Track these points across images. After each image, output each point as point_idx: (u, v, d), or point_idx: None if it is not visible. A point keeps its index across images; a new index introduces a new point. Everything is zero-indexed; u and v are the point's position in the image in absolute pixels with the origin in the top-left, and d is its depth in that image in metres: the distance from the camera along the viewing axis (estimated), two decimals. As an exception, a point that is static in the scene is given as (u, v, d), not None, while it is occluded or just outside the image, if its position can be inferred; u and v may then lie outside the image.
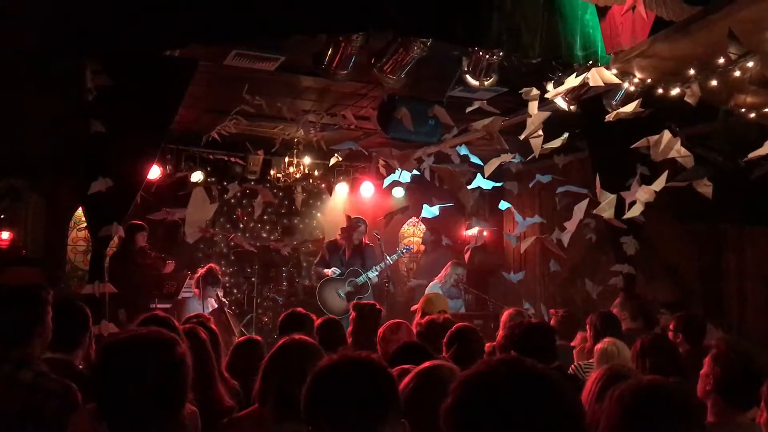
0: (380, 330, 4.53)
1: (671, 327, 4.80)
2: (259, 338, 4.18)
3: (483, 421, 1.31)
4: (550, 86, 5.29)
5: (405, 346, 3.36)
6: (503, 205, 8.07)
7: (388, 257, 8.51)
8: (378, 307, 5.47)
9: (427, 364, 2.39)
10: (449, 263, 8.30)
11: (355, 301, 7.24)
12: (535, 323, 4.06)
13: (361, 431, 1.62)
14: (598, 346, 4.23)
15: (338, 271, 8.24)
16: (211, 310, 6.89)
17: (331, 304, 8.14)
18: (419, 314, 5.54)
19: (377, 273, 8.37)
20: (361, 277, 8.25)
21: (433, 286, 8.00)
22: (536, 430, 1.29)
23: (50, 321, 2.92)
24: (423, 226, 10.49)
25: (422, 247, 10.18)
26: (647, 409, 1.85)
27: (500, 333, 4.70)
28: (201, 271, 7.42)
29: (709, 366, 2.90)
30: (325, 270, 8.29)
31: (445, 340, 3.94)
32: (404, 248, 8.99)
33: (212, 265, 7.60)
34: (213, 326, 3.81)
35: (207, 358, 3.26)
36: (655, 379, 2.03)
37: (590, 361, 4.52)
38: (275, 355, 2.60)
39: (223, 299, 7.57)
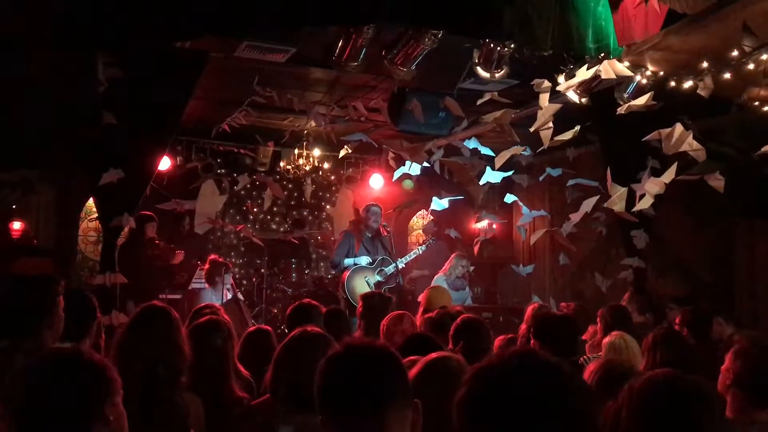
0: (383, 322, 4.51)
1: (677, 321, 4.79)
2: (269, 328, 4.20)
3: (495, 413, 1.31)
4: (561, 78, 5.26)
5: (413, 337, 3.37)
6: (509, 198, 8.05)
7: (419, 248, 8.47)
8: (388, 296, 5.43)
9: (434, 355, 2.40)
10: (453, 255, 8.27)
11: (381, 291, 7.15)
12: (558, 315, 4.05)
13: (369, 416, 1.64)
14: (606, 339, 4.23)
15: (369, 260, 7.95)
16: (225, 300, 6.91)
17: (359, 293, 7.88)
18: (422, 307, 5.53)
19: (405, 263, 8.25)
20: (390, 266, 7.97)
21: (438, 279, 7.98)
22: (548, 422, 1.29)
23: (62, 312, 2.92)
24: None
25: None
26: (670, 401, 1.85)
27: (523, 326, 4.69)
28: (206, 266, 7.41)
29: (730, 360, 2.87)
30: (355, 259, 7.92)
31: (451, 332, 3.92)
32: (431, 239, 8.81)
33: (213, 256, 7.60)
34: (225, 317, 3.84)
35: (222, 348, 3.28)
36: (672, 372, 2.02)
37: (599, 353, 4.53)
38: (287, 346, 2.62)
39: (238, 293, 7.58)
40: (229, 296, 7.16)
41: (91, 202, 7.83)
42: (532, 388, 1.31)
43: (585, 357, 4.67)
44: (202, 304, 4.44)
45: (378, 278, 7.90)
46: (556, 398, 1.30)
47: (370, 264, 7.93)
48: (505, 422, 1.30)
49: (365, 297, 5.17)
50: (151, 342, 2.80)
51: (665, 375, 1.94)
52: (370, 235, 8.01)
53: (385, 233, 8.08)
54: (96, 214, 7.52)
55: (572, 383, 1.34)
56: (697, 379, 1.99)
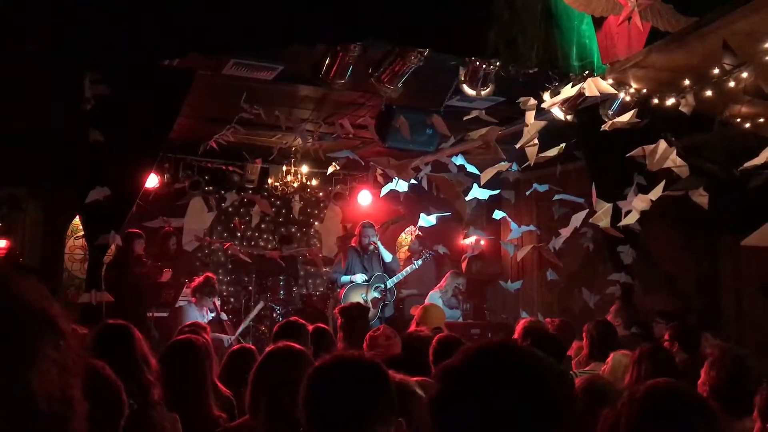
0: (368, 335, 4.55)
1: (666, 337, 4.81)
2: (252, 347, 4.17)
3: (463, 410, 1.31)
4: (546, 96, 5.31)
5: (390, 359, 3.35)
6: (497, 214, 8.08)
7: (414, 262, 8.50)
8: (364, 306, 5.50)
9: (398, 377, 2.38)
10: (448, 273, 8.29)
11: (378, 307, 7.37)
12: (549, 332, 4.06)
13: (353, 429, 1.63)
14: (613, 355, 4.22)
15: (365, 277, 8.03)
16: (208, 319, 6.86)
17: None
18: (414, 324, 5.52)
19: (400, 278, 8.34)
20: (386, 283, 8.07)
21: (433, 296, 7.98)
22: (515, 417, 1.28)
23: None
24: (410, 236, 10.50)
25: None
26: (669, 410, 1.84)
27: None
28: (198, 279, 7.38)
29: (705, 373, 2.90)
30: (352, 277, 8.03)
31: (431, 358, 3.88)
32: (428, 254, 8.86)
33: (209, 274, 7.57)
34: (207, 336, 3.81)
35: (199, 367, 3.25)
36: (674, 382, 2.01)
37: (587, 369, 4.54)
38: (262, 364, 2.58)
39: (222, 313, 7.53)
40: (211, 315, 7.12)
41: (77, 219, 7.79)
42: (497, 385, 1.30)
43: (572, 372, 4.68)
44: (188, 323, 4.42)
45: (375, 294, 7.98)
46: (523, 393, 1.29)
47: (366, 281, 8.00)
48: (470, 419, 1.29)
49: (342, 310, 5.23)
50: (112, 362, 2.77)
51: (666, 385, 1.93)
52: (366, 253, 8.08)
53: (373, 246, 8.15)
54: (82, 232, 7.49)
55: (538, 378, 1.32)
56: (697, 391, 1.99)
